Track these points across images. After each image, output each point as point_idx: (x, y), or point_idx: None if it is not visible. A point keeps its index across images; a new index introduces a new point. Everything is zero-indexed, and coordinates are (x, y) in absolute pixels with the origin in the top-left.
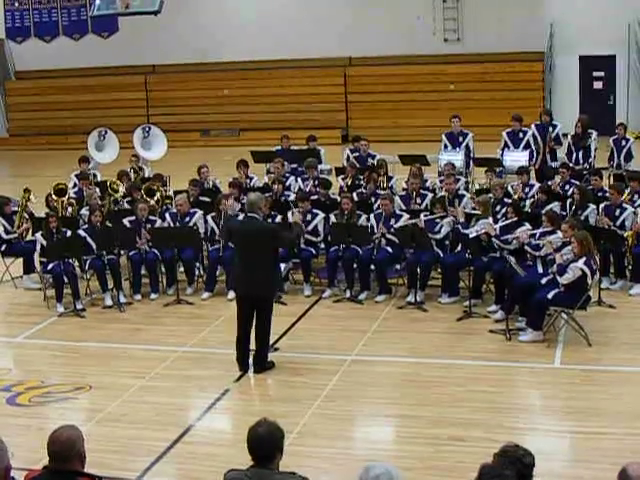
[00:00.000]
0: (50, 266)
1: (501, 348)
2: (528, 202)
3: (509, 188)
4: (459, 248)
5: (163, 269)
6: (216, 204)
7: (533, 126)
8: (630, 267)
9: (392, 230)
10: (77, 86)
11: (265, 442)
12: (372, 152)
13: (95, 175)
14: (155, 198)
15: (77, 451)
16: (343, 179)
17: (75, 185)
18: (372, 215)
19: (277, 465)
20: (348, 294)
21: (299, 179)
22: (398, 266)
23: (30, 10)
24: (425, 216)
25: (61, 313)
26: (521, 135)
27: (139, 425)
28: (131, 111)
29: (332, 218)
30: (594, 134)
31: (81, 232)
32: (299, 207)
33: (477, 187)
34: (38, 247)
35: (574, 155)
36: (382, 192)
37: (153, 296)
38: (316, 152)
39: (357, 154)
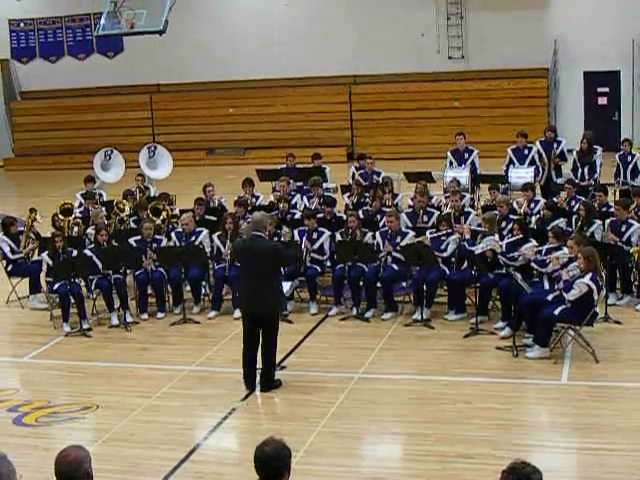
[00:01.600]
0: (56, 286)
1: (508, 365)
2: (534, 218)
3: (514, 204)
4: (465, 265)
5: (169, 288)
6: (222, 223)
7: (538, 142)
8: (637, 283)
9: (398, 248)
10: (82, 106)
11: (272, 461)
12: (377, 170)
13: (101, 194)
14: (161, 217)
15: (84, 471)
16: (349, 197)
17: (81, 205)
18: (378, 233)
19: None
20: (354, 312)
21: (304, 197)
22: (404, 284)
23: (35, 31)
24: (431, 233)
25: (67, 333)
26: (526, 152)
27: (146, 444)
28: (136, 130)
29: (338, 236)
30: (599, 150)
31: (87, 252)
32: (305, 225)
33: (483, 204)
34: (44, 267)
35: (579, 171)
36: (388, 210)
37: (160, 315)
38: (321, 170)
39: (362, 172)
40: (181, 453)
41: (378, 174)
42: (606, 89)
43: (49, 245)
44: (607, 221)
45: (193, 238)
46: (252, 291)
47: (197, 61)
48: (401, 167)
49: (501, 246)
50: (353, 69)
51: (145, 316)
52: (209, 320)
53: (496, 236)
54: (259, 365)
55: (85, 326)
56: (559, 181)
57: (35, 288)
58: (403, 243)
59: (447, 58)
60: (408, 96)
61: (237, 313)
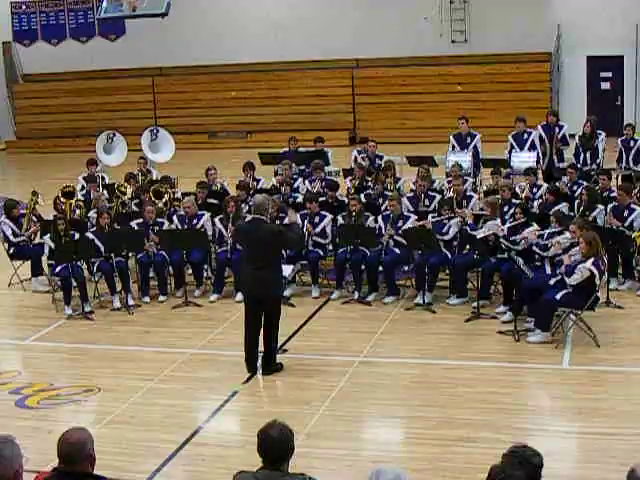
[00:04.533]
0: (58, 269)
1: (509, 349)
2: (536, 203)
3: (517, 189)
4: (467, 249)
5: (171, 271)
6: (224, 206)
7: (540, 127)
8: (638, 267)
9: (400, 231)
10: (84, 89)
11: (277, 444)
12: (380, 153)
13: (103, 177)
14: (163, 200)
15: (87, 453)
16: (351, 180)
17: (83, 188)
18: (380, 217)
19: (287, 466)
20: (356, 295)
21: (307, 181)
22: (406, 267)
23: (37, 13)
24: (433, 217)
25: (69, 315)
26: (525, 136)
27: (148, 427)
28: (138, 113)
29: (340, 220)
30: (602, 135)
31: (89, 234)
32: (307, 208)
33: (485, 188)
34: (46, 250)
35: (582, 156)
36: (390, 193)
37: (161, 298)
38: (323, 154)
39: (365, 155)
40: (183, 436)
41: (380, 158)
42: (609, 74)
43: (51, 228)
44: (609, 206)
45: (195, 221)
46: (254, 274)
47: (199, 44)
48: (403, 151)
49: (503, 230)
50: (356, 53)
51: (147, 299)
52: (211, 303)
53: (498, 220)
54: (261, 348)
55: (87, 309)
56: (561, 166)
57: (37, 271)
58: (405, 227)
59: (450, 42)
60: (411, 80)
61: (239, 296)
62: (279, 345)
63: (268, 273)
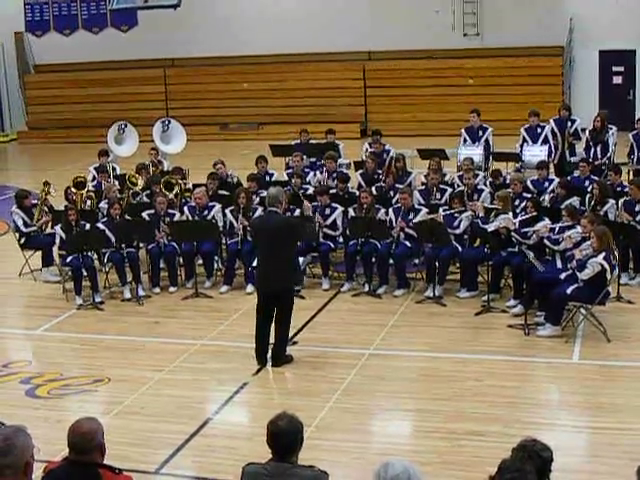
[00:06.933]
0: (69, 259)
1: (519, 343)
2: (547, 197)
3: (528, 182)
4: (478, 243)
5: (182, 262)
6: (235, 198)
7: (552, 121)
8: None
9: (411, 224)
10: (96, 80)
11: (287, 435)
12: (387, 147)
13: (114, 168)
14: (174, 191)
15: (97, 443)
16: (362, 174)
17: (94, 178)
18: (391, 209)
19: (296, 458)
20: (367, 288)
21: (317, 172)
22: (417, 260)
23: (49, 4)
24: (444, 211)
25: (80, 306)
26: (539, 130)
27: (157, 418)
28: (150, 105)
29: (351, 212)
30: (613, 129)
31: (100, 225)
32: (318, 201)
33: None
34: (57, 240)
35: (592, 150)
36: (401, 186)
37: (172, 289)
38: (335, 146)
39: (374, 149)
40: (192, 427)
41: (387, 152)
42: (621, 68)
43: (62, 218)
44: (621, 201)
45: (206, 212)
46: (268, 267)
47: (211, 36)
48: (415, 144)
49: (515, 224)
50: (368, 45)
51: (157, 290)
52: (221, 294)
53: (510, 214)
54: (271, 340)
55: (97, 299)
56: (573, 160)
57: (48, 261)
58: (416, 220)
59: (462, 35)
60: (422, 73)
61: (249, 288)
62: (289, 337)
63: (281, 266)
